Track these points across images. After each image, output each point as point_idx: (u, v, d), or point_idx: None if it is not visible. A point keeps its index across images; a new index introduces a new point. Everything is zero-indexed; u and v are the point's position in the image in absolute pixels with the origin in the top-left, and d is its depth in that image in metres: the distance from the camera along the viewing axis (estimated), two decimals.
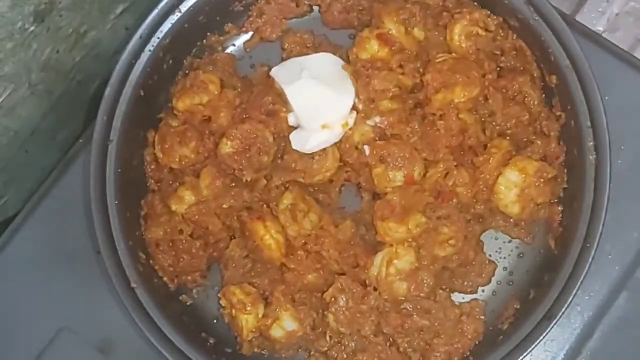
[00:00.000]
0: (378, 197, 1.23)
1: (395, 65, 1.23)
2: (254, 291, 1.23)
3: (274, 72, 1.27)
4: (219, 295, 1.25)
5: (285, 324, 1.20)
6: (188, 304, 1.29)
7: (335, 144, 1.23)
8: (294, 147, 1.22)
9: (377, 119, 1.22)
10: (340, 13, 1.31)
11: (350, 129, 1.23)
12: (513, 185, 1.18)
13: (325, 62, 1.26)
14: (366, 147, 1.22)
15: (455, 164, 1.19)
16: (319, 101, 1.22)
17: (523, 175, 1.18)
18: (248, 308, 1.21)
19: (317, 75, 1.23)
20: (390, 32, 1.24)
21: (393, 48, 1.24)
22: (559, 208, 1.21)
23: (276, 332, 1.21)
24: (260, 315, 1.21)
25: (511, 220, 1.23)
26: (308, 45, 1.32)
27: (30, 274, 1.32)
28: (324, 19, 1.33)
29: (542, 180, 1.18)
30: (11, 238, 1.33)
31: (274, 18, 1.33)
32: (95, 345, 1.29)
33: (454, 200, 1.19)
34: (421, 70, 1.24)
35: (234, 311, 1.22)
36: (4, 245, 1.33)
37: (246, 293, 1.22)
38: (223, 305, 1.24)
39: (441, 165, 1.19)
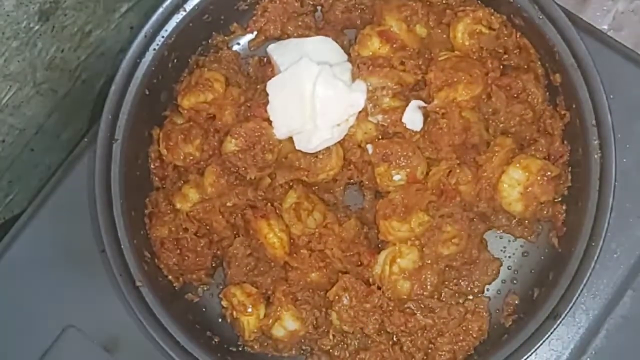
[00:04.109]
0: (380, 196, 1.23)
1: (397, 62, 1.23)
2: (255, 291, 1.23)
3: (270, 49, 1.27)
4: (220, 296, 1.26)
5: (287, 324, 1.20)
6: (193, 302, 1.29)
7: (339, 142, 1.23)
8: (297, 147, 1.22)
9: (379, 116, 1.22)
10: (342, 12, 1.30)
11: (352, 127, 1.22)
12: (516, 183, 1.18)
13: (325, 48, 1.26)
14: (369, 146, 1.22)
15: (458, 162, 1.19)
16: (335, 99, 1.21)
17: (526, 174, 1.18)
18: (249, 310, 1.21)
19: (317, 60, 1.22)
20: (391, 29, 1.24)
21: (394, 45, 1.24)
22: (563, 207, 1.21)
23: (278, 332, 1.21)
24: (261, 316, 1.22)
25: (514, 219, 1.23)
26: (310, 27, 1.32)
27: (36, 272, 1.32)
28: (326, 19, 1.32)
29: (545, 178, 1.18)
30: (16, 236, 1.33)
31: (277, 17, 1.32)
32: (101, 343, 1.29)
33: (457, 198, 1.19)
34: (423, 67, 1.24)
35: (235, 312, 1.23)
36: (9, 244, 1.33)
37: (247, 294, 1.22)
38: (224, 306, 1.24)
39: (444, 164, 1.19)
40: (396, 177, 1.20)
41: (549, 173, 1.18)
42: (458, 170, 1.18)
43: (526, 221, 1.23)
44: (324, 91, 1.19)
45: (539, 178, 1.17)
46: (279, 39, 1.33)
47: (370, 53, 1.24)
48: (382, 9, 1.25)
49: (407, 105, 1.21)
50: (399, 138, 1.21)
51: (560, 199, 1.21)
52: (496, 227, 1.24)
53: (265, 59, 1.31)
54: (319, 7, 1.34)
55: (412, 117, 1.21)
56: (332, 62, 1.23)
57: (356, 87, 1.21)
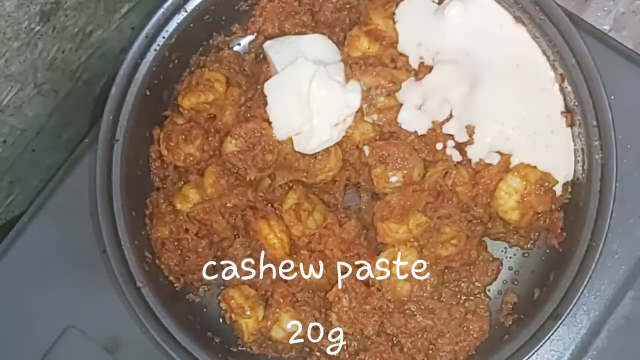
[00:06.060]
0: (377, 197, 1.23)
1: (388, 60, 1.23)
2: (254, 293, 1.23)
3: (266, 46, 1.27)
4: (218, 298, 1.26)
5: (286, 325, 1.20)
6: (194, 302, 1.29)
7: (337, 143, 1.23)
8: (296, 148, 1.22)
9: (375, 116, 1.21)
10: (332, 13, 1.30)
11: (350, 128, 1.22)
12: (514, 191, 1.17)
13: (320, 46, 1.26)
14: (366, 148, 1.22)
15: (454, 163, 1.19)
16: (331, 100, 1.21)
17: (524, 182, 1.17)
18: (247, 312, 1.21)
19: (312, 59, 1.22)
20: (378, 28, 1.23)
21: (383, 43, 1.23)
22: (561, 215, 1.20)
23: (277, 333, 1.21)
24: (260, 318, 1.22)
25: (511, 226, 1.22)
26: (307, 25, 1.32)
27: (37, 273, 1.32)
28: (317, 19, 1.31)
29: (543, 189, 1.17)
30: (17, 237, 1.33)
31: (275, 16, 1.32)
32: (102, 343, 1.29)
33: (454, 199, 1.18)
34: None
35: (233, 315, 1.23)
36: (10, 245, 1.33)
37: (245, 297, 1.22)
38: (223, 308, 1.24)
39: (440, 165, 1.19)
40: (393, 179, 1.20)
41: (547, 184, 1.17)
42: (454, 172, 1.18)
43: (522, 230, 1.22)
44: (320, 92, 1.19)
45: (536, 188, 1.17)
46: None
47: (361, 53, 1.24)
48: (367, 9, 1.25)
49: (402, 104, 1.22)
50: (395, 139, 1.21)
51: (559, 208, 1.21)
52: (492, 233, 1.23)
53: (261, 55, 1.31)
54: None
55: (408, 117, 1.21)
56: (327, 60, 1.24)
57: (351, 87, 1.21)
